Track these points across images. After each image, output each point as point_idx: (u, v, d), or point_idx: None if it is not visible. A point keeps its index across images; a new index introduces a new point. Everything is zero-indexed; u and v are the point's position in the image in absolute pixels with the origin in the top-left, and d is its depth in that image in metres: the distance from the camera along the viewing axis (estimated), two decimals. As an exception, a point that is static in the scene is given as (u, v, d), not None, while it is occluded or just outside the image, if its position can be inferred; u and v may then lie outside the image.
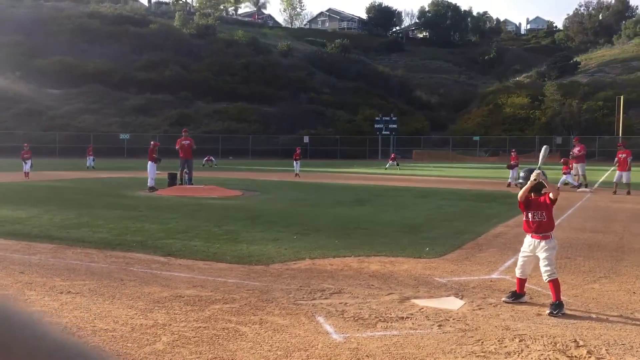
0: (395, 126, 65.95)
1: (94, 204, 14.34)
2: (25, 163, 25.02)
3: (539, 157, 6.28)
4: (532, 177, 5.69)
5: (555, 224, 6.12)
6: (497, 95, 79.18)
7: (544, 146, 6.59)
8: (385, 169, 38.71)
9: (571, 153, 22.66)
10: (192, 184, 19.67)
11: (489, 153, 67.02)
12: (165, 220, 11.48)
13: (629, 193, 19.42)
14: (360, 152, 65.93)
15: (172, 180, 19.83)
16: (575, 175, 22.06)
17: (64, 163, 40.97)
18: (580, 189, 21.02)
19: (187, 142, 19.98)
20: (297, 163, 29.23)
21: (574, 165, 22.07)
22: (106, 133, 57.11)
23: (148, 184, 18.81)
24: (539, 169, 5.78)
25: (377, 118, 67.22)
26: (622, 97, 62.41)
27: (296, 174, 28.55)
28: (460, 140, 69.08)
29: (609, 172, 33.69)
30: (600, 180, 26.81)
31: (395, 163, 40.23)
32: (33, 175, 24.58)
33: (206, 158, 41.82)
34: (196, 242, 8.94)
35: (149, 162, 19.18)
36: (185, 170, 20.06)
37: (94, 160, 35.89)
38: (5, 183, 21.37)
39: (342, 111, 73.38)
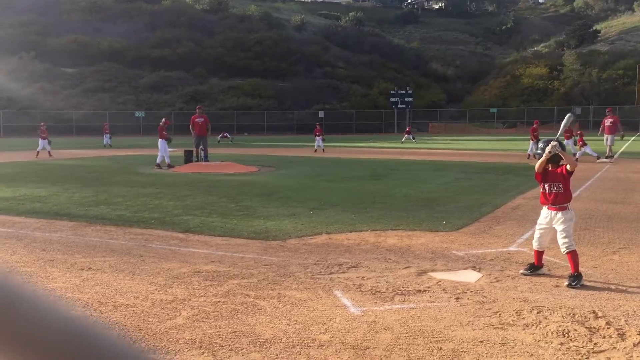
0: (411, 99, 65.24)
1: (111, 182, 14.48)
2: (42, 142, 24.95)
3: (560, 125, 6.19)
4: (548, 149, 5.59)
5: (575, 194, 6.04)
6: (514, 66, 77.92)
7: (568, 114, 6.44)
8: (402, 142, 38.48)
9: (604, 124, 22.23)
10: (208, 161, 19.80)
11: (507, 125, 66.29)
12: (182, 197, 11.57)
13: None
14: (376, 126, 65.50)
15: (188, 157, 19.98)
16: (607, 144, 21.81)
17: (80, 141, 41.36)
18: (599, 160, 20.77)
19: (202, 119, 20.02)
20: (318, 139, 28.95)
21: (605, 135, 21.81)
22: (121, 111, 57.48)
23: (157, 160, 19.04)
24: (557, 140, 5.67)
25: (392, 91, 66.50)
26: (643, 65, 61.11)
27: (315, 150, 28.45)
28: (477, 113, 68.31)
29: (629, 142, 33.17)
30: (621, 150, 26.40)
31: (411, 137, 39.92)
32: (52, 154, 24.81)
33: (221, 134, 41.90)
34: (213, 218, 9.00)
35: (160, 140, 19.34)
36: (200, 147, 20.17)
37: (110, 138, 36.13)
38: (24, 162, 21.63)
39: (357, 85, 72.77)
